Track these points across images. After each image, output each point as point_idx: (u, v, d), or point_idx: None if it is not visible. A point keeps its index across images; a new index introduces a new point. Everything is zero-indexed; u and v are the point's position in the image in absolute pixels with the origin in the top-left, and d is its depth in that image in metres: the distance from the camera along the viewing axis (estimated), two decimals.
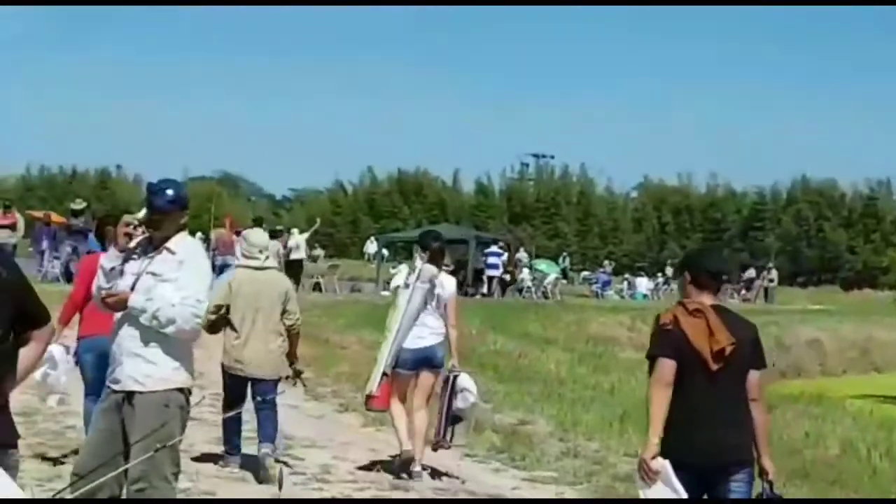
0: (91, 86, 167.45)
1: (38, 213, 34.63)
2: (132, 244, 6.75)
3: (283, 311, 10.01)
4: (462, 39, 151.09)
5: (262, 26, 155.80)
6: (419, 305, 10.11)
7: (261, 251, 10.22)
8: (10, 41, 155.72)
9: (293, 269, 32.60)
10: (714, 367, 6.05)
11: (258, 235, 10.89)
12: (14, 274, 4.82)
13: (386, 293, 20.22)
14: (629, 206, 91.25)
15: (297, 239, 34.19)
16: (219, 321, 9.86)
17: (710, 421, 6.06)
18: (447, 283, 10.45)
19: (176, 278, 6.58)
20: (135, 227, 6.77)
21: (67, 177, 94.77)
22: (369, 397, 10.25)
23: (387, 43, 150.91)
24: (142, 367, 6.55)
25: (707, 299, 6.24)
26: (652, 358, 6.20)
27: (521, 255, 48.28)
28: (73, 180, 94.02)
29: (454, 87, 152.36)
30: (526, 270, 45.69)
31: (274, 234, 32.77)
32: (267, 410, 9.96)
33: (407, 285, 10.19)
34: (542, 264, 50.82)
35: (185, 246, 6.80)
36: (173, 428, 6.49)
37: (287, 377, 10.37)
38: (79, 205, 17.20)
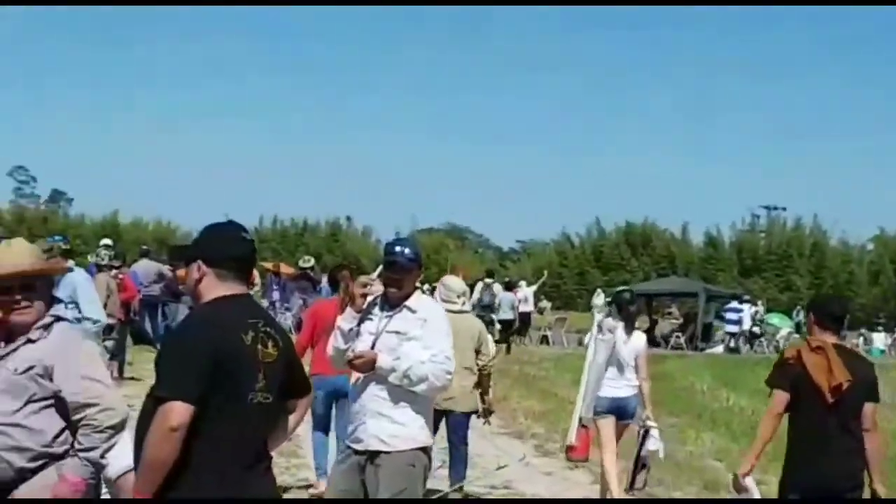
0: (321, 139, 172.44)
1: (269, 265, 35.50)
2: (368, 304, 6.72)
3: (477, 352, 10.29)
4: (690, 92, 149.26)
5: (489, 75, 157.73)
6: (604, 358, 10.40)
7: (458, 296, 10.58)
8: (243, 100, 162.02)
9: (521, 321, 32.59)
10: (831, 399, 6.69)
11: (456, 282, 11.19)
12: (287, 342, 4.84)
13: None
14: (865, 258, 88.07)
15: (525, 291, 34.17)
16: None
17: (826, 448, 6.70)
18: (634, 339, 10.72)
19: (420, 336, 6.56)
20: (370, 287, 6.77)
21: (299, 229, 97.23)
22: (569, 448, 10.54)
23: (614, 96, 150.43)
24: (388, 427, 6.51)
25: (829, 338, 6.92)
26: (770, 386, 6.96)
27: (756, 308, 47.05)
28: (304, 232, 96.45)
29: (682, 139, 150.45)
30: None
31: (509, 287, 32.84)
32: (461, 447, 10.44)
33: (599, 339, 10.59)
34: (774, 318, 49.44)
35: (426, 304, 6.84)
36: (417, 487, 6.51)
37: (478, 414, 10.77)
38: (307, 262, 17.40)
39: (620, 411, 10.53)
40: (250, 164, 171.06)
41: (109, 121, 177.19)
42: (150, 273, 23.24)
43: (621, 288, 13.68)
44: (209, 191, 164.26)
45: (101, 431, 5.14)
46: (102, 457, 5.22)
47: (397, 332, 6.57)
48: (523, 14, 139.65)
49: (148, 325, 23.07)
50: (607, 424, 10.47)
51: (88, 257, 20.83)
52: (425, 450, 6.64)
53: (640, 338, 10.95)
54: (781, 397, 6.82)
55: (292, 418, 4.95)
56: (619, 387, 10.48)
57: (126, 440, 6.19)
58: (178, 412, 4.38)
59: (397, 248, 6.74)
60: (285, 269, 34.03)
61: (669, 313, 44.81)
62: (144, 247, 29.40)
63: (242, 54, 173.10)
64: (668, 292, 48.33)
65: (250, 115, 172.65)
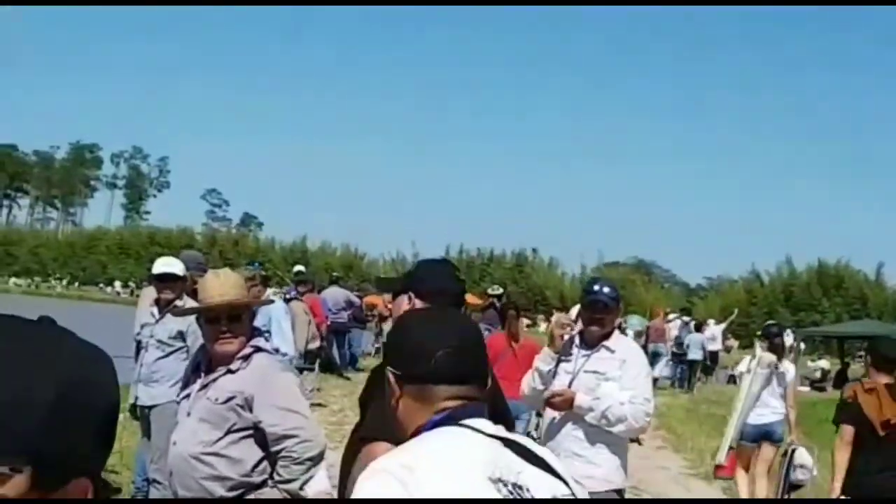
0: (509, 171, 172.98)
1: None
2: (565, 343, 6.67)
3: None
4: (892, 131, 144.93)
5: (683, 112, 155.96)
6: (759, 389, 11.36)
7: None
8: (434, 133, 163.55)
9: (709, 359, 32.02)
10: (881, 432, 7.64)
11: (565, 315, 11.44)
12: (491, 377, 4.74)
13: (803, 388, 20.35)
14: None
15: (713, 330, 33.58)
16: None
17: (877, 471, 7.66)
18: (788, 370, 11.75)
19: (619, 377, 6.45)
20: (570, 327, 6.74)
21: (485, 259, 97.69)
22: (717, 467, 11.58)
23: (812, 132, 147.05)
24: (582, 468, 6.35)
25: (883, 379, 7.89)
26: (836, 424, 7.97)
27: None
28: (490, 263, 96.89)
29: (881, 179, 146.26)
30: None
31: (698, 327, 32.33)
32: None
33: (749, 370, 11.61)
34: None
35: (625, 344, 6.73)
36: None
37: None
38: (495, 290, 17.38)
39: (768, 436, 11.52)
40: (438, 193, 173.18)
41: (301, 147, 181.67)
42: (339, 300, 23.56)
43: (769, 322, 14.36)
44: (396, 219, 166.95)
45: (300, 463, 5.14)
46: (301, 488, 5.23)
47: (595, 372, 6.49)
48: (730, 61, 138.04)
49: (335, 352, 23.38)
50: (747, 453, 11.61)
51: (273, 291, 21.22)
52: (620, 492, 6.53)
53: (789, 368, 11.88)
54: (847, 430, 7.83)
55: None
56: (764, 413, 11.45)
57: (321, 465, 6.23)
58: (382, 450, 4.32)
59: (597, 287, 6.66)
60: (471, 299, 34.06)
61: (861, 356, 43.45)
62: (335, 274, 29.85)
63: (435, 91, 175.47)
64: (860, 335, 46.90)
65: (439, 147, 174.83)
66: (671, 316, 34.41)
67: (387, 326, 24.89)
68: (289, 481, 5.14)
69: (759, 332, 12.97)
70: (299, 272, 19.61)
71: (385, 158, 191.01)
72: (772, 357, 11.47)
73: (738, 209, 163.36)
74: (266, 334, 8.61)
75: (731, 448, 11.44)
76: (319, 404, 17.76)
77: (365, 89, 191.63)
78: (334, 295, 23.59)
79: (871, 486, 7.68)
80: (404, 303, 4.62)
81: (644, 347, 26.66)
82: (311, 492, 5.66)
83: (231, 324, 5.20)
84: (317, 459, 5.24)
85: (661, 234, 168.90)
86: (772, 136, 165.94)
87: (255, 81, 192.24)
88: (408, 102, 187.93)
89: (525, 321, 15.62)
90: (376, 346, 27.17)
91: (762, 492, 11.52)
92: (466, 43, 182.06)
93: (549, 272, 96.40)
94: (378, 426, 4.43)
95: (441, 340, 3.02)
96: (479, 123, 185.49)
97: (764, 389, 11.43)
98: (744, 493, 11.63)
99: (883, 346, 8.36)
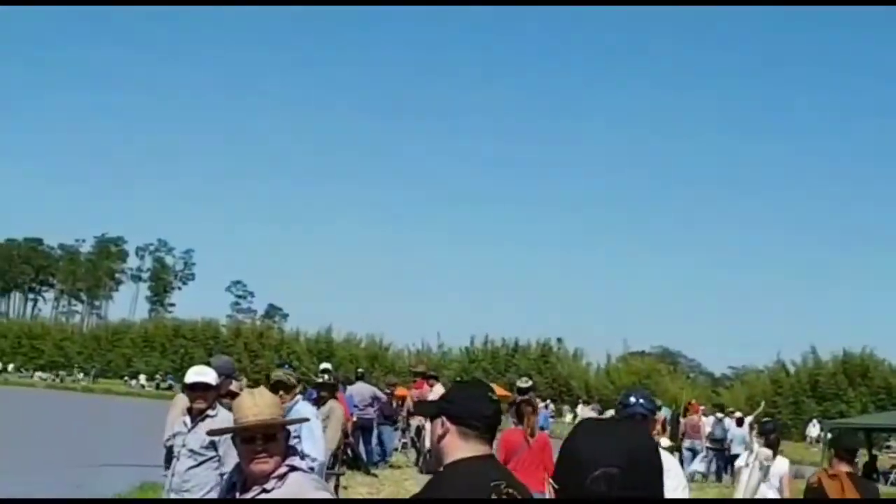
0: (531, 260, 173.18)
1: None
2: None
3: None
4: None
5: (709, 196, 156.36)
6: (756, 482, 12.37)
7: None
8: (456, 222, 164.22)
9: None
10: None
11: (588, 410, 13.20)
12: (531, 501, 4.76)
13: None
14: None
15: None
16: None
17: None
18: (777, 463, 12.73)
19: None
20: None
21: (510, 349, 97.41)
22: None
23: (837, 220, 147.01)
24: None
25: (844, 467, 9.10)
26: None
27: None
28: (515, 353, 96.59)
29: None
30: None
31: (740, 423, 32.07)
32: None
33: (747, 464, 12.69)
34: None
35: (663, 456, 6.69)
36: None
37: None
38: (525, 383, 17.35)
39: None
40: (463, 283, 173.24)
41: (324, 238, 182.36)
42: (366, 396, 23.58)
43: (765, 419, 16.88)
44: (421, 309, 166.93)
45: None
46: None
47: None
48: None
49: (361, 449, 23.34)
50: None
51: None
52: None
53: (782, 462, 12.96)
54: None
55: None
56: None
57: None
58: None
59: (633, 399, 6.69)
60: (500, 391, 33.91)
61: (889, 447, 43.02)
62: (360, 370, 29.91)
63: (459, 180, 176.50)
64: (887, 427, 46.50)
65: (463, 237, 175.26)
66: (719, 416, 34.21)
67: (414, 422, 24.88)
68: None
69: (755, 426, 14.36)
70: (326, 370, 19.63)
71: (410, 247, 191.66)
72: (768, 452, 12.68)
73: (763, 298, 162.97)
74: (295, 438, 8.71)
75: None
76: None
77: (388, 178, 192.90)
78: (361, 391, 23.61)
79: None
80: (438, 427, 4.63)
81: (679, 441, 26.65)
82: None
83: (266, 443, 5.24)
84: None
85: (686, 323, 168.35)
86: (796, 229, 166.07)
87: (281, 173, 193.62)
88: (432, 191, 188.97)
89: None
90: (403, 440, 27.08)
91: None
92: (495, 129, 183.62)
93: (573, 362, 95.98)
94: None
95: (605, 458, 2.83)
96: (502, 212, 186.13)
97: (762, 483, 12.56)
98: None
99: (844, 439, 9.91)
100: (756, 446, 12.99)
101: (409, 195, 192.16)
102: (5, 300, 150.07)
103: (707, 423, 31.78)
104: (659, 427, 20.08)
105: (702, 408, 35.71)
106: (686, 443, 27.16)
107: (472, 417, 4.58)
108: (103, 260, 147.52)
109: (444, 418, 4.60)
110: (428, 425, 21.83)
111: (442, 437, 4.60)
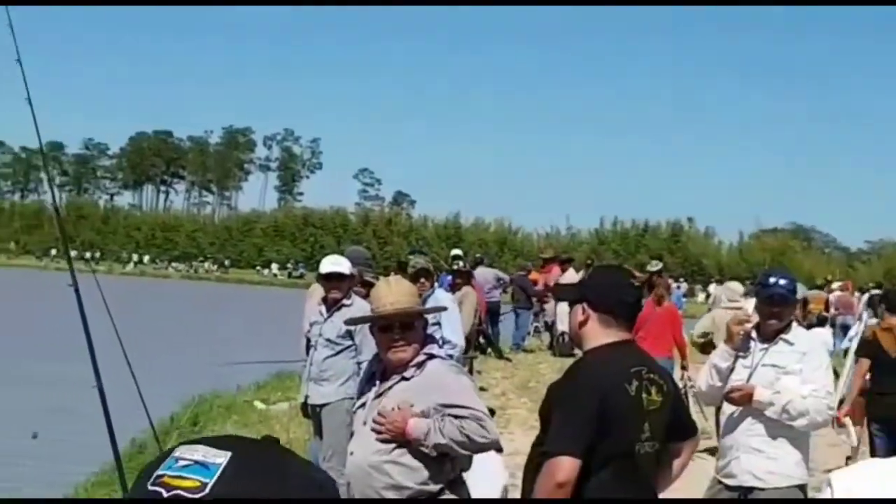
0: (659, 138, 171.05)
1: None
2: (742, 338, 6.52)
3: None
4: None
5: (845, 71, 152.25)
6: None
7: (741, 296, 12.69)
8: (573, 101, 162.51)
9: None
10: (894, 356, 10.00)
11: (737, 285, 13.87)
12: (672, 385, 4.75)
13: None
14: None
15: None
16: (706, 345, 12.05)
17: (891, 390, 9.92)
18: None
19: (799, 370, 6.30)
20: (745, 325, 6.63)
21: (640, 230, 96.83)
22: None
23: None
24: (763, 463, 6.28)
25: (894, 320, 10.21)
26: (857, 357, 10.42)
27: None
28: (645, 234, 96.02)
29: None
30: None
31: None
32: None
33: (857, 334, 13.57)
34: None
35: (803, 336, 6.56)
36: None
37: None
38: (654, 266, 17.09)
39: None
40: (591, 164, 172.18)
41: (451, 122, 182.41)
42: (490, 279, 23.56)
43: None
44: (549, 191, 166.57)
45: (466, 436, 5.04)
46: (448, 455, 5.11)
47: (774, 366, 6.34)
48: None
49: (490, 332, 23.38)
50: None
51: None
52: (802, 487, 6.34)
53: None
54: (865, 362, 10.36)
55: (677, 462, 4.83)
56: None
57: (494, 473, 6.16)
58: (565, 467, 4.30)
59: (772, 280, 6.48)
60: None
61: None
62: (478, 255, 29.95)
63: (586, 59, 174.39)
64: None
65: (592, 116, 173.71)
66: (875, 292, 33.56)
67: (548, 307, 24.79)
68: (448, 437, 5.03)
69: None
70: (457, 256, 19.55)
71: (537, 129, 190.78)
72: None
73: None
74: (433, 326, 8.60)
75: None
76: (480, 388, 17.73)
77: (515, 62, 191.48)
78: (484, 275, 23.56)
79: (886, 405, 9.94)
80: (579, 312, 4.64)
81: (832, 320, 26.21)
82: (486, 484, 5.64)
83: (404, 332, 5.19)
84: (485, 447, 5.21)
85: (820, 198, 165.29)
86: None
87: (404, 59, 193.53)
88: (559, 73, 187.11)
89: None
90: (535, 324, 27.06)
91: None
92: (624, 20, 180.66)
93: (705, 241, 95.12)
94: (559, 440, 4.35)
95: None
96: (630, 91, 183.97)
97: None
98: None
99: (891, 295, 11.12)
100: (865, 315, 12.93)
101: (535, 76, 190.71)
102: (138, 193, 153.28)
103: (860, 303, 31.13)
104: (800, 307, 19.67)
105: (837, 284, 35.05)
106: (838, 319, 26.75)
107: (615, 304, 4.60)
108: (232, 150, 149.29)
109: (585, 304, 4.61)
110: (560, 308, 21.73)
111: (583, 322, 4.62)
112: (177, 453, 1.43)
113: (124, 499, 3.91)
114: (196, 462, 1.40)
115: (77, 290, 5.92)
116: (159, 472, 1.41)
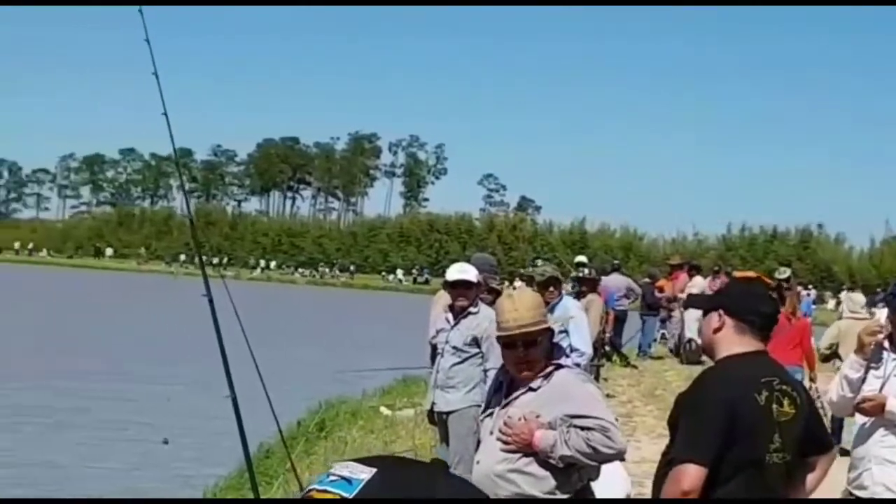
0: (789, 143, 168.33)
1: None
2: (874, 348, 6.33)
3: None
4: None
5: None
6: None
7: (862, 307, 12.89)
8: (705, 104, 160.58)
9: None
10: None
11: (859, 296, 14.27)
12: (805, 398, 4.66)
13: None
14: None
15: None
16: (830, 356, 12.09)
17: None
18: None
19: None
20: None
21: (768, 236, 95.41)
22: None
23: None
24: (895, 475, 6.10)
25: None
26: None
27: None
28: (773, 240, 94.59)
29: None
30: None
31: None
32: None
33: None
34: None
35: None
36: None
37: None
38: (783, 273, 16.76)
39: None
40: (718, 169, 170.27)
41: (577, 128, 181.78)
42: (621, 287, 23.32)
43: None
44: (676, 196, 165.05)
45: (592, 448, 5.00)
46: (573, 465, 5.06)
47: None
48: None
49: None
50: None
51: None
52: None
53: None
54: None
55: (812, 476, 4.72)
56: None
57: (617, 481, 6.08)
58: (692, 475, 4.27)
59: None
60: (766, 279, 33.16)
61: None
62: (616, 262, 29.65)
63: (708, 66, 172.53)
64: None
65: (718, 121, 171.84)
66: None
67: (675, 314, 24.51)
68: (573, 448, 4.99)
69: None
70: (582, 263, 19.41)
71: (663, 133, 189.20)
72: None
73: None
74: (561, 333, 8.54)
75: None
76: (607, 395, 17.57)
77: (642, 66, 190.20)
78: (616, 282, 23.35)
79: None
80: (714, 320, 4.61)
81: None
82: (609, 492, 5.58)
83: (527, 349, 5.17)
84: (611, 458, 5.16)
85: None
86: None
87: (527, 64, 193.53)
88: (686, 77, 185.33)
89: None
90: (661, 331, 26.78)
91: None
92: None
93: (835, 247, 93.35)
94: (685, 448, 4.30)
95: None
96: (759, 96, 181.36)
97: None
98: None
99: None
100: None
101: (662, 79, 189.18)
102: (265, 199, 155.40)
103: None
104: None
105: None
106: None
107: (751, 313, 4.58)
108: (358, 156, 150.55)
109: (721, 312, 4.59)
110: (688, 315, 21.41)
111: (717, 330, 4.59)
112: (332, 468, 1.55)
113: None
114: (342, 477, 1.51)
115: (211, 301, 5.99)
116: (312, 485, 1.54)
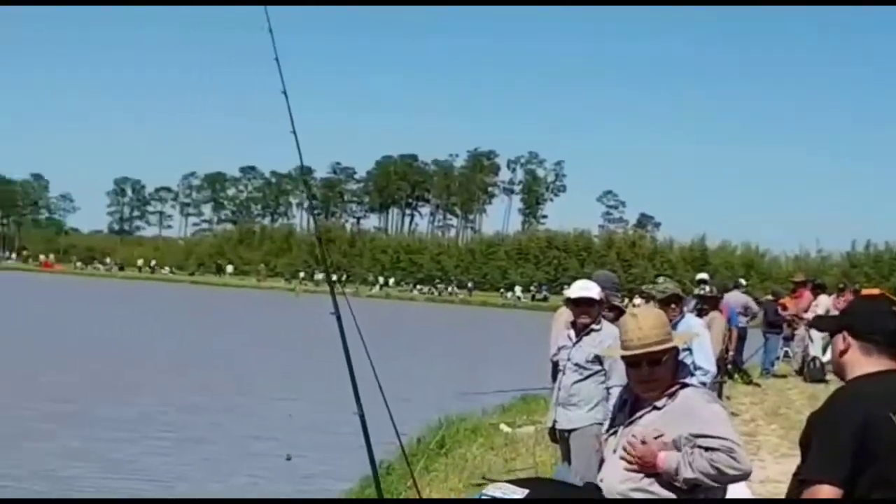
0: None
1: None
2: None
3: None
4: None
5: None
6: None
7: None
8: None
9: None
10: None
11: None
12: None
13: None
14: None
15: None
16: None
17: None
18: None
19: None
20: None
21: (894, 253, 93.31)
22: None
23: None
24: None
25: None
26: None
27: None
28: None
29: None
30: None
31: None
32: None
33: None
34: None
35: None
36: None
37: None
38: None
39: None
40: (841, 185, 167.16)
41: (695, 144, 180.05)
42: (738, 305, 23.04)
43: None
44: (798, 213, 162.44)
45: (716, 469, 4.94)
46: (697, 486, 5.00)
47: None
48: None
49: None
50: None
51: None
52: None
53: None
54: None
55: None
56: None
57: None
58: (824, 494, 4.19)
59: None
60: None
61: None
62: (741, 280, 29.27)
63: (823, 79, 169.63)
64: None
65: (839, 137, 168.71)
66: None
67: (799, 332, 24.12)
68: (698, 471, 4.94)
69: None
70: (703, 281, 19.17)
71: (784, 148, 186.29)
72: None
73: None
74: (684, 352, 8.45)
75: None
76: (732, 413, 17.35)
77: (760, 84, 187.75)
78: (736, 299, 23.07)
79: None
80: (839, 343, 4.50)
81: None
82: None
83: (652, 368, 5.13)
84: (736, 479, 5.10)
85: None
86: None
87: (648, 80, 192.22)
88: (805, 91, 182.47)
89: None
90: (784, 349, 26.38)
91: None
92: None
93: None
94: (818, 468, 4.22)
95: None
96: (881, 110, 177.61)
97: None
98: None
99: None
100: None
101: (780, 94, 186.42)
102: (383, 216, 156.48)
103: None
104: None
105: None
106: None
107: (876, 332, 4.44)
108: (476, 174, 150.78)
109: (846, 333, 4.49)
110: (814, 333, 21.07)
111: (843, 352, 4.48)
112: (486, 489, 1.52)
113: None
114: (495, 499, 1.48)
115: (339, 318, 6.02)
116: None
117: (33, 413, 18.40)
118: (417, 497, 7.88)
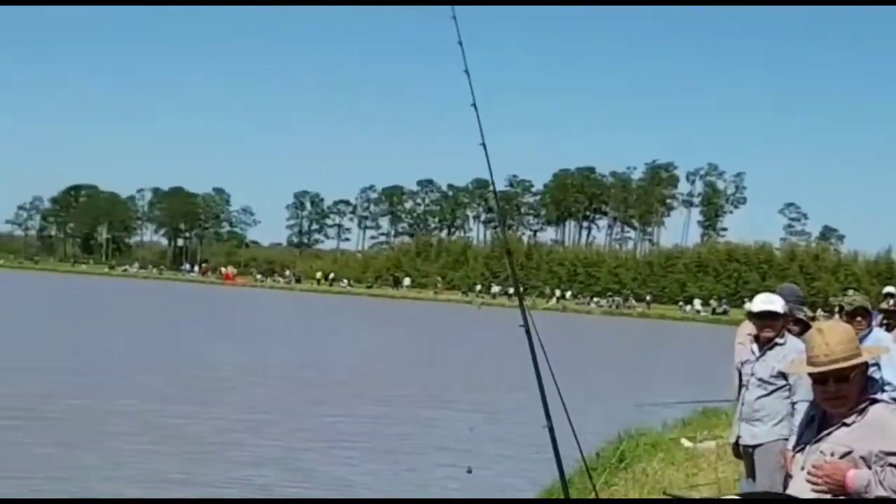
0: None
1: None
2: None
3: None
4: None
5: None
6: None
7: None
8: None
9: None
10: None
11: None
12: None
13: None
14: None
15: None
16: None
17: None
18: None
19: None
20: None
21: None
22: None
23: None
24: None
25: None
26: None
27: None
28: None
29: None
30: None
31: None
32: None
33: None
34: None
35: None
36: None
37: None
38: None
39: None
40: None
41: (883, 155, 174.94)
42: None
43: None
44: None
45: None
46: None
47: None
48: None
49: None
50: None
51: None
52: None
53: None
54: None
55: None
56: None
57: None
58: None
59: None
60: None
61: None
62: None
63: None
64: None
65: None
66: None
67: None
68: (894, 491, 4.81)
69: None
70: (890, 294, 18.59)
71: None
72: None
73: None
74: (873, 367, 8.26)
75: None
76: None
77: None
78: None
79: None
80: None
81: None
82: None
83: (839, 384, 4.99)
84: None
85: None
86: None
87: (828, 92, 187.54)
88: None
89: None
90: None
91: None
92: None
93: None
94: None
95: None
96: None
97: None
98: None
99: None
100: None
101: None
102: (560, 229, 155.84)
103: None
104: None
105: None
106: None
107: None
108: (654, 186, 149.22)
109: None
110: None
111: None
112: None
113: None
114: None
115: (528, 332, 6.05)
116: None
117: (234, 423, 19.22)
118: None
